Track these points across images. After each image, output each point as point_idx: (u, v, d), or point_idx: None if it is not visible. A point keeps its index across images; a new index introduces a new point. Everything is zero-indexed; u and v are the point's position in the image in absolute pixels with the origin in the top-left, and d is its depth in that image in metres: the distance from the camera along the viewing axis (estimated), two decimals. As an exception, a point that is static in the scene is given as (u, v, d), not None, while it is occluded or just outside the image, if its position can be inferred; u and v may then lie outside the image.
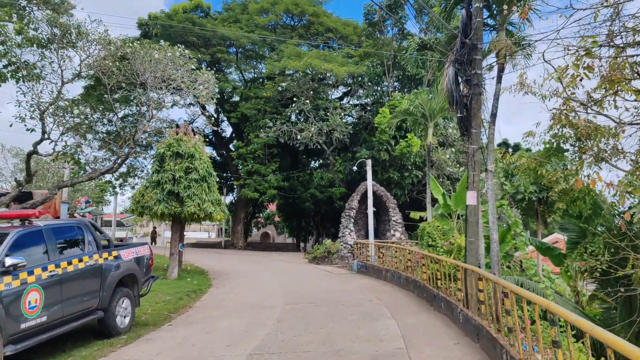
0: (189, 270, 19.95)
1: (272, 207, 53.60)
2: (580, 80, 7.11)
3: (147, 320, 10.90)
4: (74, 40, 21.61)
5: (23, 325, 7.16)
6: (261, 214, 60.21)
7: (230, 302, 13.50)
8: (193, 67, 24.92)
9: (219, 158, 45.51)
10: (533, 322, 6.53)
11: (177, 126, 24.57)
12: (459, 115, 11.03)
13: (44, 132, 22.40)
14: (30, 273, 7.40)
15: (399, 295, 13.85)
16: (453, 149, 30.19)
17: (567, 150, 12.36)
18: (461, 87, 11.30)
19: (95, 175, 25.81)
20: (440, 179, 29.13)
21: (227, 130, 45.18)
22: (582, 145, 11.09)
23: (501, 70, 11.21)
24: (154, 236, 49.62)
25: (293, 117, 34.96)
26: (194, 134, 19.20)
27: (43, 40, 21.12)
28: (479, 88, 10.90)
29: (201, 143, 17.77)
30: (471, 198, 10.46)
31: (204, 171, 16.88)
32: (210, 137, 44.00)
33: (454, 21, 14.98)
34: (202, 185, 16.81)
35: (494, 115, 11.31)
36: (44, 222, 8.34)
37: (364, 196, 24.00)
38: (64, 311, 8.03)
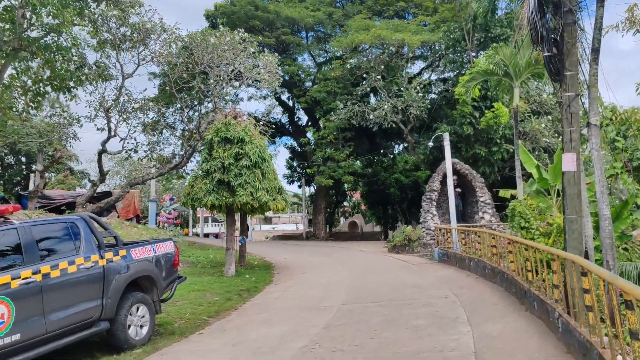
0: (254, 265, 18.55)
1: (357, 196, 51.62)
2: None
3: (177, 328, 9.36)
4: (142, 39, 21.09)
5: (-17, 347, 5.81)
6: (346, 203, 58.34)
7: (283, 302, 11.75)
8: (253, 49, 23.52)
9: (298, 148, 44.20)
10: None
11: (255, 118, 23.36)
12: (546, 54, 8.34)
13: (109, 130, 22.19)
14: (-6, 282, 6.04)
15: (481, 289, 11.30)
16: (550, 117, 26.29)
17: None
18: (548, 17, 8.59)
19: (165, 171, 25.34)
20: (536, 152, 25.47)
21: (304, 118, 43.72)
22: None
23: (603, -15, 8.33)
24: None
25: (371, 99, 32.57)
26: (254, 119, 17.74)
27: (117, 41, 20.75)
28: (572, 15, 8.16)
29: (252, 126, 16.12)
30: (569, 162, 7.78)
31: (255, 156, 15.23)
32: (287, 126, 42.79)
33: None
34: (255, 172, 15.17)
35: (595, 51, 8.46)
36: (21, 220, 6.99)
37: (447, 176, 21.27)
38: (49, 326, 6.61)
